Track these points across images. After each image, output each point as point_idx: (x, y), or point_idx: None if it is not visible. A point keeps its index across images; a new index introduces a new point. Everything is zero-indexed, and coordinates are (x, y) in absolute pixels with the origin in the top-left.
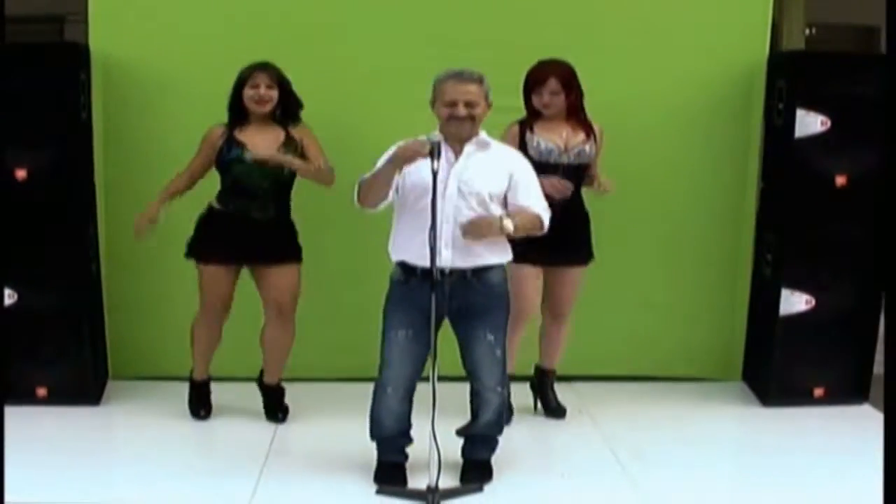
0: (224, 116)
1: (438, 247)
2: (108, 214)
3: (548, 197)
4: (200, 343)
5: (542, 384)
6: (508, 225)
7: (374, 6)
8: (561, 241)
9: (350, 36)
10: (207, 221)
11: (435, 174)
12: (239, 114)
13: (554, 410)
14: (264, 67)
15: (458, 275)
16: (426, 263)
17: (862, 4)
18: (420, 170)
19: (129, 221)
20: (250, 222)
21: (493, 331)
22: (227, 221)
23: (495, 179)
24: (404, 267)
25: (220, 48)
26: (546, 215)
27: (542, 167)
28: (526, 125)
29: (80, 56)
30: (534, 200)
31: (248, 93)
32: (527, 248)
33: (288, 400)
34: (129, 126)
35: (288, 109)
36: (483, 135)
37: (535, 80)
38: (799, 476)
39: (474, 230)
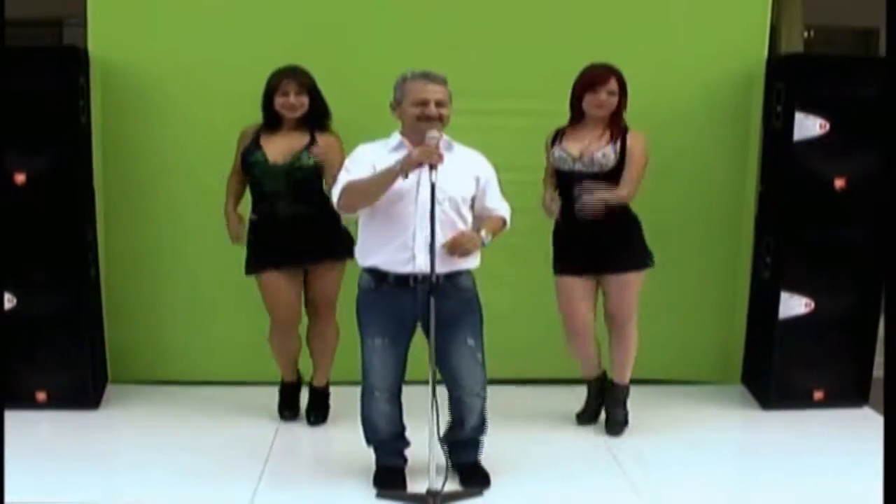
0: (221, 120)
1: (413, 252)
2: (107, 218)
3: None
4: (275, 352)
5: (608, 396)
6: (487, 238)
7: (377, 11)
8: (599, 249)
9: (352, 40)
10: (252, 235)
11: (433, 182)
12: (272, 118)
13: (612, 424)
14: (293, 74)
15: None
16: (399, 269)
17: (860, 7)
18: None
19: (128, 225)
20: (284, 225)
21: (472, 335)
22: (264, 228)
23: (465, 182)
24: (375, 273)
25: (220, 53)
26: (508, 215)
27: (562, 175)
28: (558, 134)
29: (78, 60)
30: (498, 202)
31: (278, 100)
32: (567, 259)
33: None
34: (128, 130)
35: (314, 114)
36: (445, 137)
37: (594, 79)
38: (799, 479)
39: (461, 248)
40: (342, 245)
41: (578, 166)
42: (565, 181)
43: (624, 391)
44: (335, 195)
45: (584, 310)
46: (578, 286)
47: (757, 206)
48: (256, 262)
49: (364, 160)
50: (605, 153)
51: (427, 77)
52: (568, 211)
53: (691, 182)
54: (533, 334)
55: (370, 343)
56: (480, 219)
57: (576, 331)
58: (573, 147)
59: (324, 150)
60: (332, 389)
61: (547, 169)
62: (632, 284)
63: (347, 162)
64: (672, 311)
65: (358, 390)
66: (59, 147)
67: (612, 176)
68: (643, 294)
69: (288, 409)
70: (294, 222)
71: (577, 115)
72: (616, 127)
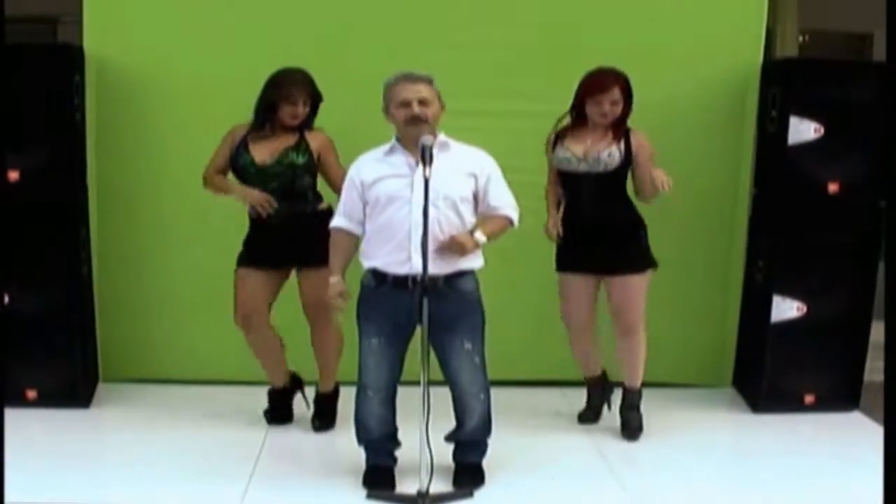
0: (216, 118)
1: (409, 253)
2: (100, 217)
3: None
4: (254, 351)
5: (622, 400)
6: (481, 238)
7: (374, 12)
8: (602, 250)
9: (350, 40)
10: (249, 230)
11: (427, 180)
12: (267, 121)
13: (627, 429)
14: (303, 83)
15: (430, 282)
16: (397, 270)
17: (855, 12)
18: (385, 180)
19: (122, 223)
20: (269, 225)
21: (470, 338)
22: (256, 227)
23: (461, 181)
24: (375, 274)
25: (215, 51)
26: (514, 213)
27: (567, 177)
28: (560, 134)
29: (73, 57)
30: (501, 200)
31: (286, 109)
32: (573, 257)
33: None
34: (123, 128)
35: (307, 118)
36: (442, 136)
37: (597, 87)
38: (789, 483)
39: (451, 252)
40: (323, 250)
41: (583, 166)
42: (570, 182)
43: (635, 396)
44: (332, 222)
45: (585, 308)
46: (580, 284)
47: (750, 209)
48: (240, 257)
49: (351, 186)
50: (610, 153)
51: (408, 78)
52: (574, 211)
53: (685, 184)
54: (525, 336)
55: (366, 343)
56: (484, 218)
57: (574, 328)
58: (576, 147)
59: (317, 148)
60: None
61: (550, 178)
62: (635, 288)
63: (346, 182)
64: (664, 314)
65: (349, 391)
66: (54, 144)
67: (617, 175)
68: None
69: (274, 416)
70: (280, 224)
71: (581, 119)
72: (618, 128)
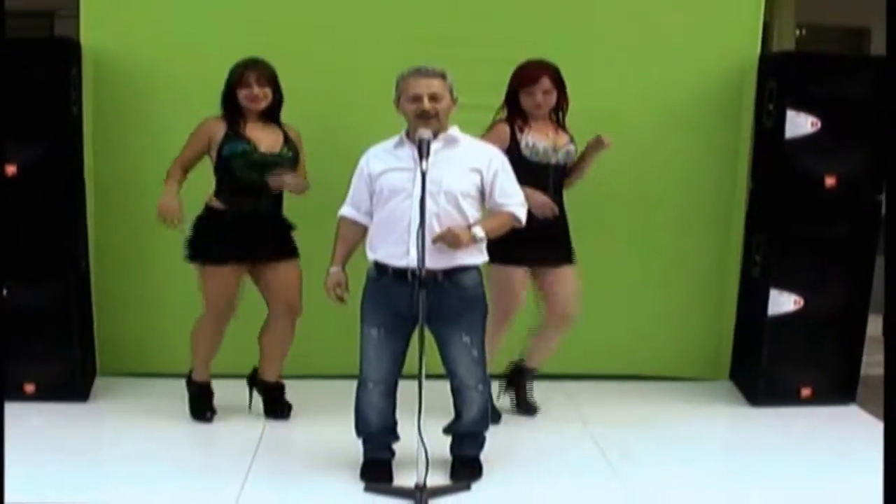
0: (213, 112)
1: (408, 246)
2: (98, 210)
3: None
4: (205, 346)
5: (521, 382)
6: (479, 234)
7: (364, 4)
8: (548, 242)
9: (339, 33)
10: (208, 222)
11: (424, 173)
12: (235, 112)
13: (528, 407)
14: (254, 65)
15: (430, 276)
16: (397, 263)
17: (852, 6)
18: (390, 172)
19: (119, 218)
20: (255, 219)
21: (469, 332)
22: (231, 219)
23: (465, 177)
24: (377, 266)
25: (211, 43)
26: (521, 210)
27: (535, 167)
28: (514, 124)
29: (71, 51)
30: (509, 197)
31: (241, 92)
32: (515, 248)
33: None
34: (120, 122)
35: (276, 107)
36: (452, 130)
37: (526, 78)
38: (786, 476)
39: (446, 244)
40: (294, 244)
41: (555, 159)
42: (538, 172)
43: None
44: (340, 210)
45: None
46: (525, 277)
47: (747, 203)
48: (210, 252)
49: (360, 176)
50: (573, 147)
51: (420, 72)
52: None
53: (682, 179)
54: (523, 330)
55: (367, 333)
56: (489, 215)
57: (511, 320)
58: (545, 139)
59: (296, 142)
60: (326, 382)
61: None
62: (576, 278)
63: (355, 172)
64: (662, 308)
65: (348, 384)
66: (51, 139)
67: (567, 169)
68: (634, 290)
69: (209, 410)
70: (265, 220)
71: (518, 111)
72: (564, 125)
